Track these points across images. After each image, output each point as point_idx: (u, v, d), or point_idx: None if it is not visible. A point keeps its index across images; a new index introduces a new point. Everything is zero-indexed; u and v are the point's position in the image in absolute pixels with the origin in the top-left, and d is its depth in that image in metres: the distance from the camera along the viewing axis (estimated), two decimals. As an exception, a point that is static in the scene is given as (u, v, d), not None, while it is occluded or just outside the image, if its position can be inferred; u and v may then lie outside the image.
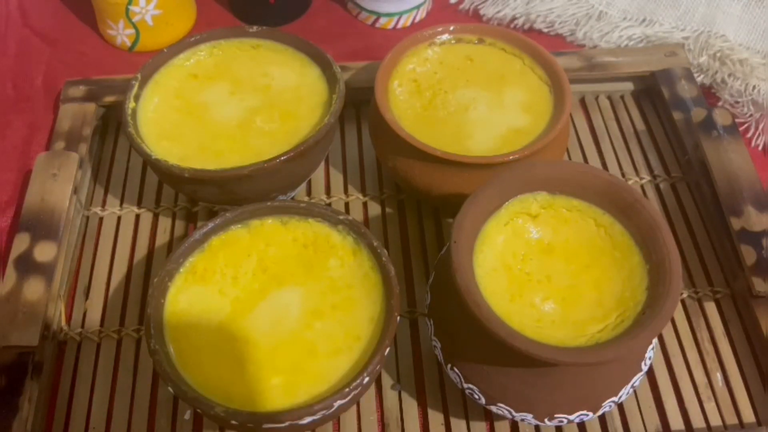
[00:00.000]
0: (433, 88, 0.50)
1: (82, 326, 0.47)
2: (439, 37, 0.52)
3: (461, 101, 0.49)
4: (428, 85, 0.50)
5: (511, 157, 0.44)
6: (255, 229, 0.43)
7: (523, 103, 0.49)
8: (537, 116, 0.48)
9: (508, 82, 0.50)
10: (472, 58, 0.51)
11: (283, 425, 0.36)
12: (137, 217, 0.53)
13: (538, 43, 0.51)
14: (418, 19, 0.66)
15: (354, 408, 0.44)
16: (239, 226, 0.43)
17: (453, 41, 0.52)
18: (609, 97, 0.61)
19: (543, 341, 0.34)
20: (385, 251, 0.41)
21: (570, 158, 0.56)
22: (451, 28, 0.52)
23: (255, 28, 0.53)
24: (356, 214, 0.53)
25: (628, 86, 0.61)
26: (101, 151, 0.57)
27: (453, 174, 0.45)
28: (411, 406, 0.44)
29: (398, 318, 0.39)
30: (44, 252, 0.47)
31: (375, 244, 0.41)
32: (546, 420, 0.38)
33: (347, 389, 0.36)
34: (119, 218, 0.53)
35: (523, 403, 0.38)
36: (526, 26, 0.66)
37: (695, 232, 0.52)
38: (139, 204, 0.53)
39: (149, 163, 0.46)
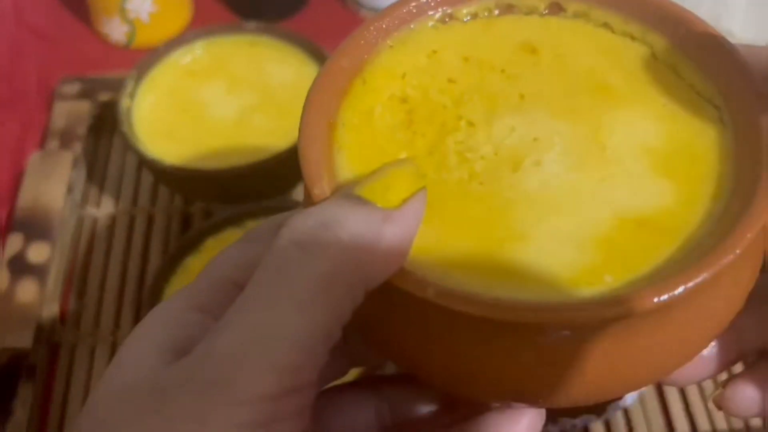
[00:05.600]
0: (445, 114, 0.23)
1: (77, 328, 0.47)
2: (460, 3, 0.25)
3: (508, 146, 0.22)
4: (433, 109, 0.23)
5: (622, 307, 0.18)
6: (252, 230, 0.43)
7: (657, 150, 0.22)
8: (688, 184, 0.21)
9: (619, 101, 0.23)
10: (534, 46, 0.25)
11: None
12: (132, 217, 0.52)
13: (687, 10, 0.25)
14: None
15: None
16: (235, 227, 0.43)
17: (493, 10, 0.25)
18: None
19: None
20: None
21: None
22: None
23: (252, 25, 0.52)
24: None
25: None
26: (96, 150, 0.56)
27: (494, 344, 0.20)
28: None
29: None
30: (38, 253, 0.46)
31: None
32: (550, 426, 0.37)
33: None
34: (114, 218, 0.52)
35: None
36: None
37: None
38: (134, 204, 0.53)
39: (144, 162, 0.46)
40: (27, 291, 0.45)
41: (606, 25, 0.25)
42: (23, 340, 0.43)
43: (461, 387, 0.21)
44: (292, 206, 0.44)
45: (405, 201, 0.19)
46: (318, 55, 0.50)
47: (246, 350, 0.17)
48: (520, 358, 0.19)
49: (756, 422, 0.43)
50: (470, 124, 0.23)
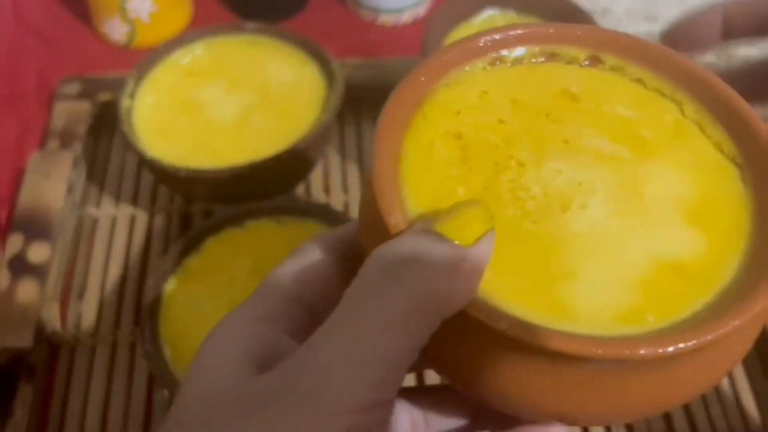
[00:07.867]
0: (497, 153, 0.25)
1: (77, 328, 0.47)
2: (509, 48, 0.27)
3: (556, 188, 0.24)
4: (486, 147, 0.25)
5: (670, 348, 0.20)
6: (251, 230, 0.43)
7: (688, 202, 0.24)
8: (717, 237, 0.23)
9: (652, 152, 0.25)
10: (574, 94, 0.26)
11: None
12: (132, 217, 0.52)
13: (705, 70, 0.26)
14: (420, 16, 0.65)
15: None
16: (235, 227, 0.43)
17: (538, 57, 0.27)
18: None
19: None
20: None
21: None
22: (539, 30, 0.27)
23: (252, 25, 0.52)
24: (356, 213, 0.52)
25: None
26: (96, 150, 0.56)
27: (535, 371, 0.21)
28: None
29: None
30: (38, 253, 0.46)
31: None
32: None
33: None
34: (114, 218, 0.52)
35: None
36: (528, 22, 0.65)
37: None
38: (134, 204, 0.53)
39: (144, 162, 0.46)
40: (27, 291, 0.44)
41: (639, 81, 0.26)
42: (23, 340, 0.43)
43: (515, 408, 0.22)
44: (293, 205, 0.44)
45: (478, 239, 0.21)
46: (318, 55, 0.50)
47: (341, 365, 0.18)
48: (577, 385, 0.21)
49: (756, 422, 0.43)
50: (520, 164, 0.24)
